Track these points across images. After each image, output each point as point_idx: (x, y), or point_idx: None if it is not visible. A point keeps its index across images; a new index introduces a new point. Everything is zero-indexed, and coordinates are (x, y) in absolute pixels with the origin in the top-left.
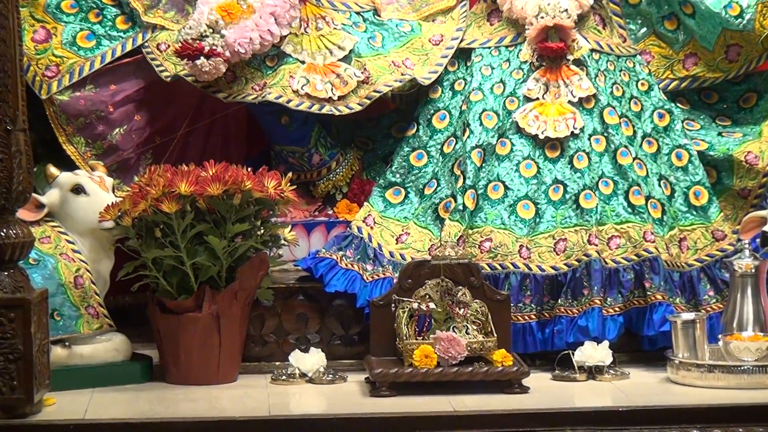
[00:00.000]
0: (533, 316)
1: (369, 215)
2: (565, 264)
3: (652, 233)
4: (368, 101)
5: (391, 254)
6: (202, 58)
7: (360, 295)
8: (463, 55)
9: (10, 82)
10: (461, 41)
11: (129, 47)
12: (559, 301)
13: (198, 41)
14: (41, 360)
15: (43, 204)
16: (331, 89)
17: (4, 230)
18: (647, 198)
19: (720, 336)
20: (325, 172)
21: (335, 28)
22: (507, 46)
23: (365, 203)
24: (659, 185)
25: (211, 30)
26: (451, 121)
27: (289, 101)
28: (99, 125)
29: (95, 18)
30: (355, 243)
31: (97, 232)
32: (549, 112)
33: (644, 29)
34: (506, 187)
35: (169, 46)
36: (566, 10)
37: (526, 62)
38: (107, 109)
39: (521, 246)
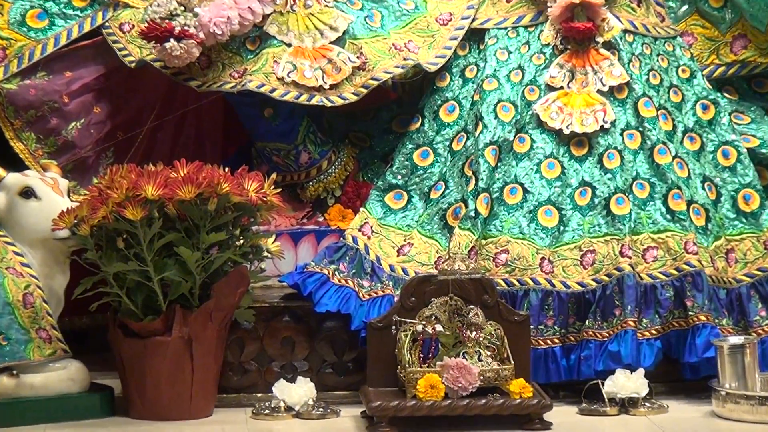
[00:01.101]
0: (557, 340)
1: (366, 223)
2: (593, 279)
3: (695, 244)
4: (365, 90)
5: (392, 268)
6: (171, 40)
7: (355, 316)
8: (475, 36)
9: None
10: (473, 21)
11: (87, 28)
12: (587, 322)
13: (167, 21)
14: None
15: None
16: (322, 76)
17: None
18: (689, 203)
19: None
20: (314, 173)
21: (326, 6)
22: (526, 27)
23: (361, 209)
24: (703, 188)
25: (182, 8)
26: (462, 113)
27: (273, 90)
28: (52, 118)
29: None
30: (349, 255)
31: (50, 243)
32: (575, 104)
33: (685, 7)
34: (525, 191)
35: (133, 26)
36: None
37: (548, 45)
38: (62, 100)
39: (543, 259)
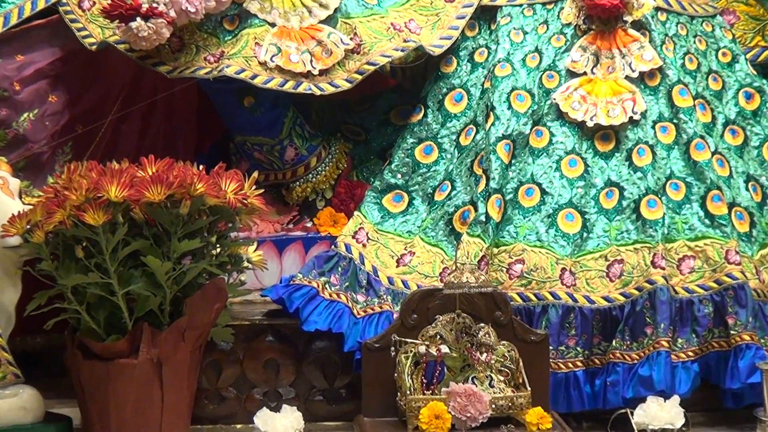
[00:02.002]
0: (579, 364)
1: (360, 229)
2: (621, 294)
3: (737, 253)
4: (359, 77)
5: (390, 281)
6: (138, 19)
7: (349, 336)
8: (485, 15)
9: None
10: None
11: (41, 5)
12: (614, 342)
13: None
14: None
15: None
16: (311, 61)
17: None
18: (731, 206)
19: None
20: (302, 172)
21: None
22: (544, 4)
23: (356, 213)
24: (746, 188)
25: None
26: (470, 103)
27: (254, 77)
28: (1, 109)
29: None
30: (342, 266)
31: None
32: (600, 92)
33: None
34: (543, 192)
35: (94, 3)
36: None
37: (569, 25)
38: (12, 88)
39: (563, 270)
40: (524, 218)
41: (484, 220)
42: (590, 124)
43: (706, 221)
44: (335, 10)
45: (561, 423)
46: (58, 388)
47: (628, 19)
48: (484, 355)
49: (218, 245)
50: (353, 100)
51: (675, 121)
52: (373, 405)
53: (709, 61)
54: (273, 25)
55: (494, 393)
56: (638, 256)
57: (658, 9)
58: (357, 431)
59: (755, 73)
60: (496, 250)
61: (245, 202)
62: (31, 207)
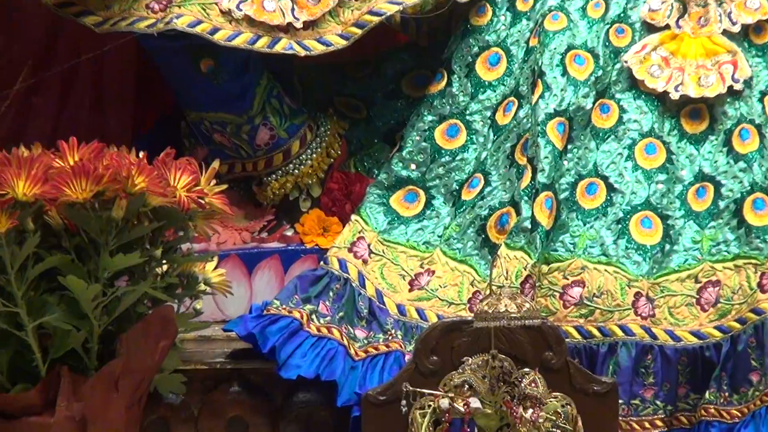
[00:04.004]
0: (660, 423)
1: (360, 239)
2: (717, 328)
3: None
4: (359, 31)
5: (401, 310)
6: None
7: (344, 385)
8: None
9: None
10: None
11: None
12: (708, 394)
13: None
14: None
15: None
16: (292, 9)
17: None
18: None
19: None
20: (280, 161)
21: None
22: None
23: (353, 217)
24: None
25: None
26: (511, 67)
27: (214, 31)
28: None
29: None
30: (334, 289)
31: None
32: (688, 52)
33: None
34: (611, 188)
35: None
36: None
37: None
38: None
39: (638, 295)
40: (585, 224)
41: (529, 226)
42: (675, 96)
43: None
44: None
45: None
46: None
47: None
48: (529, 411)
49: (165, 261)
50: (350, 63)
51: None
52: None
53: None
54: None
55: None
56: (740, 277)
57: None
58: None
59: None
60: (545, 268)
61: (202, 202)
62: None
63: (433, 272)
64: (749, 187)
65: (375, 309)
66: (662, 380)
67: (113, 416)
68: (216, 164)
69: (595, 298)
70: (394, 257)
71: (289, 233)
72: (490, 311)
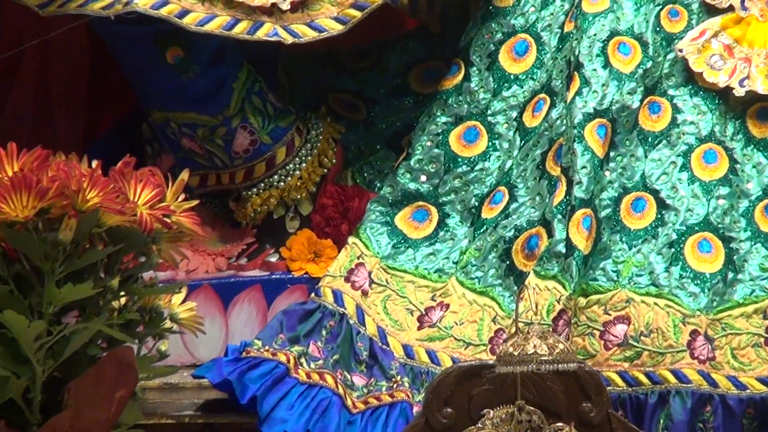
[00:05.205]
0: None
1: (360, 265)
2: None
3: None
4: (358, 14)
5: (408, 351)
6: None
7: None
8: None
9: None
10: None
11: None
12: None
13: None
14: None
15: None
16: None
17: None
18: None
19: None
20: (262, 171)
21: None
22: None
23: (350, 239)
24: None
25: None
26: (541, 57)
27: (183, 13)
28: None
29: None
30: (328, 327)
31: None
32: (756, 40)
33: None
34: (662, 204)
35: None
36: None
37: None
38: None
39: (695, 333)
40: (630, 248)
41: (563, 251)
42: (740, 92)
43: None
44: None
45: None
46: None
47: None
48: None
49: (123, 293)
50: (348, 53)
51: None
52: None
53: None
54: None
55: None
56: None
57: None
58: None
59: None
60: (583, 302)
61: (168, 221)
62: None
63: (448, 306)
64: None
65: (377, 351)
66: None
67: None
68: (185, 175)
69: (642, 338)
70: (400, 288)
71: (274, 259)
72: (516, 354)
